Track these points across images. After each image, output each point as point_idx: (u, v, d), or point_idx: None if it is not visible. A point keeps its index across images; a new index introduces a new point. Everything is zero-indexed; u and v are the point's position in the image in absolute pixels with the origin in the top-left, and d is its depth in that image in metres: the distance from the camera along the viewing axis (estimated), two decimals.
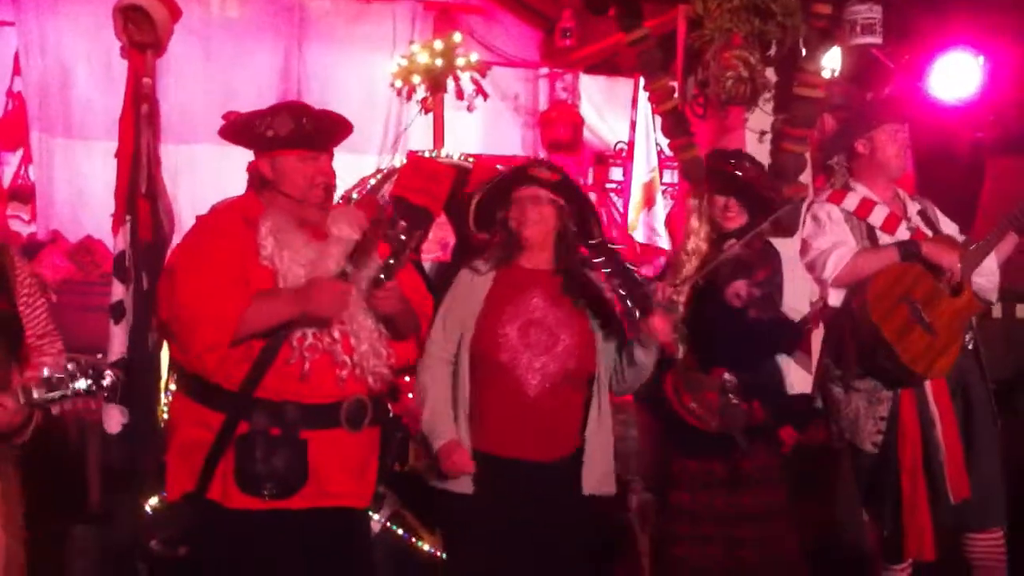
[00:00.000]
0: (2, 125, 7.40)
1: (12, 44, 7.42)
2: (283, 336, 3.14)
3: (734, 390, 3.76)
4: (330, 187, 3.30)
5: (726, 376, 3.78)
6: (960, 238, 4.13)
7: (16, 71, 7.44)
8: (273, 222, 3.19)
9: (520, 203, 3.51)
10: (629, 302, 3.43)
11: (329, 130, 3.28)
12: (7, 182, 7.42)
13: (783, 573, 3.73)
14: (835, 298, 4.03)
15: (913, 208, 4.20)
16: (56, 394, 2.86)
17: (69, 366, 2.90)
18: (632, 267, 3.58)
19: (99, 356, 2.98)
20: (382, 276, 3.16)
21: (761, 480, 3.75)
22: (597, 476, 3.51)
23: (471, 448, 3.43)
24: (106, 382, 2.89)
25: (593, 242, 3.54)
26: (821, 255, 4.04)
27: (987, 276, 4.12)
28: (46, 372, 2.89)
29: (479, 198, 3.60)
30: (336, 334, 3.19)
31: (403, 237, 3.15)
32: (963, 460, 3.94)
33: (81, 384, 2.87)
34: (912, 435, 3.95)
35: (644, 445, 4.58)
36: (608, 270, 3.49)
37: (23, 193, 7.41)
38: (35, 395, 2.86)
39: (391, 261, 3.16)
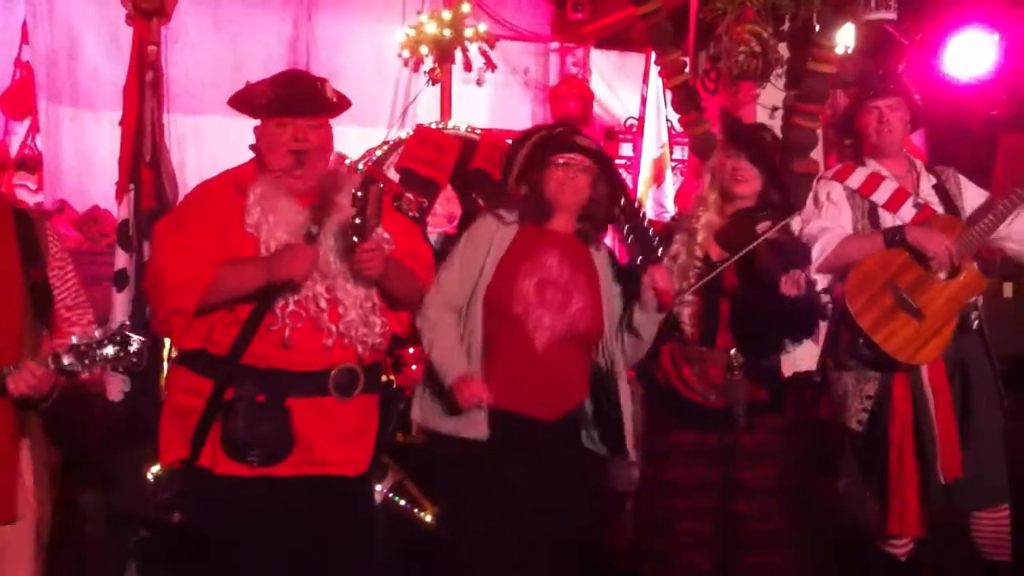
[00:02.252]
0: (9, 94, 7.37)
1: (20, 13, 7.40)
2: (268, 303, 3.12)
3: (740, 367, 3.72)
4: (303, 154, 3.21)
5: (732, 352, 3.74)
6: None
7: (24, 40, 7.41)
8: (262, 190, 3.18)
9: (559, 168, 3.50)
10: (639, 255, 3.42)
11: (303, 95, 3.23)
12: (14, 151, 7.40)
13: (776, 549, 3.71)
14: (822, 282, 4.01)
15: (927, 182, 4.15)
16: (85, 360, 2.89)
17: (97, 333, 2.93)
18: (649, 229, 3.54)
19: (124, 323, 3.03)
20: (355, 238, 3.09)
21: (759, 456, 3.72)
22: (630, 437, 3.51)
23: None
24: (133, 348, 2.90)
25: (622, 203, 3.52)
26: (811, 240, 4.01)
27: (1017, 241, 4.09)
28: (74, 339, 2.91)
29: (517, 156, 3.58)
30: (323, 303, 3.16)
31: (359, 193, 3.06)
32: (957, 440, 3.93)
33: (109, 351, 2.89)
34: (902, 412, 3.94)
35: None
36: (627, 226, 3.46)
37: (30, 162, 7.39)
38: (64, 361, 2.89)
39: (357, 220, 3.07)
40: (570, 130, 3.66)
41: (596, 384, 3.55)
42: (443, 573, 3.57)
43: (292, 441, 3.13)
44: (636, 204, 3.55)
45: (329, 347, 3.17)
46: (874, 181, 4.11)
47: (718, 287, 3.68)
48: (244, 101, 3.26)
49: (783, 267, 3.67)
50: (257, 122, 3.28)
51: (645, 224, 3.52)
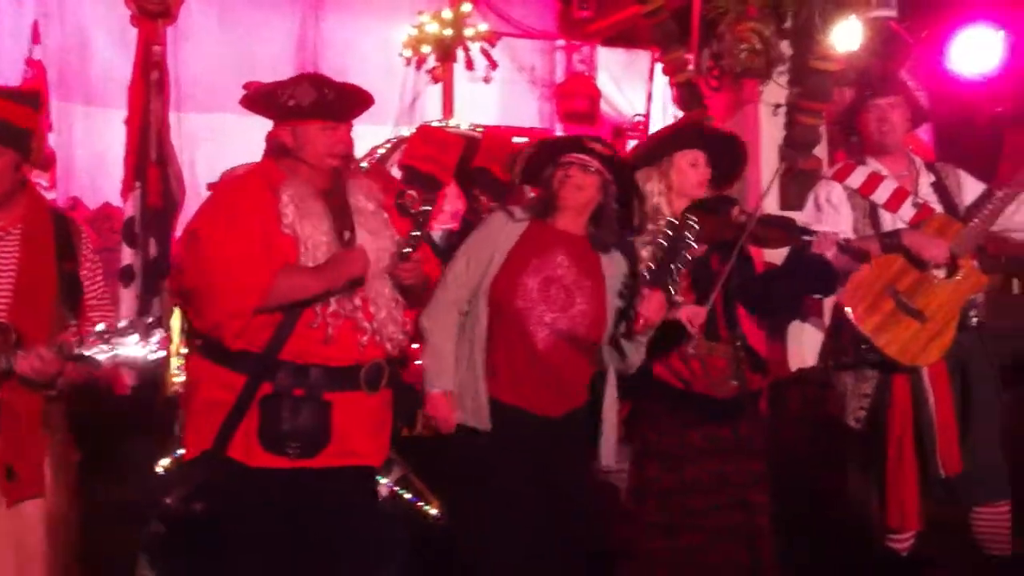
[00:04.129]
0: None
1: (31, 12, 7.46)
2: (306, 301, 3.21)
3: (744, 358, 3.75)
4: (348, 157, 3.38)
5: (738, 344, 3.77)
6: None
7: (35, 39, 7.46)
8: (295, 190, 3.24)
9: (568, 166, 3.53)
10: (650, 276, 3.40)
11: (350, 102, 3.33)
12: None
13: (752, 542, 3.73)
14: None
15: (926, 180, 4.18)
16: (98, 349, 2.98)
17: (121, 324, 3.02)
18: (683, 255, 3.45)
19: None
20: (407, 249, 3.26)
21: (747, 448, 3.75)
22: (610, 446, 3.56)
23: (487, 394, 3.45)
24: (154, 338, 3.00)
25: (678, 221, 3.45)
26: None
27: (1023, 231, 4.13)
28: (100, 327, 3.02)
29: (530, 153, 3.61)
30: (357, 301, 3.26)
31: (425, 208, 3.25)
32: (956, 435, 3.95)
33: (132, 340, 2.99)
34: (902, 408, 3.97)
35: None
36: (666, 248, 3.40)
37: (43, 160, 7.45)
38: (83, 349, 2.99)
39: (415, 233, 3.25)
40: (589, 137, 3.69)
41: (591, 388, 3.58)
42: (448, 564, 3.62)
43: (331, 433, 3.22)
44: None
45: (363, 344, 3.26)
46: (874, 181, 4.13)
47: (709, 280, 3.71)
48: (269, 104, 3.29)
49: (787, 233, 3.74)
50: (268, 122, 3.33)
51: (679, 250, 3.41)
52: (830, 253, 3.85)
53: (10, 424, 3.09)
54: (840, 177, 4.18)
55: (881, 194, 4.11)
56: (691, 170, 3.71)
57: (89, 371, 3.11)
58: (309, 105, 3.23)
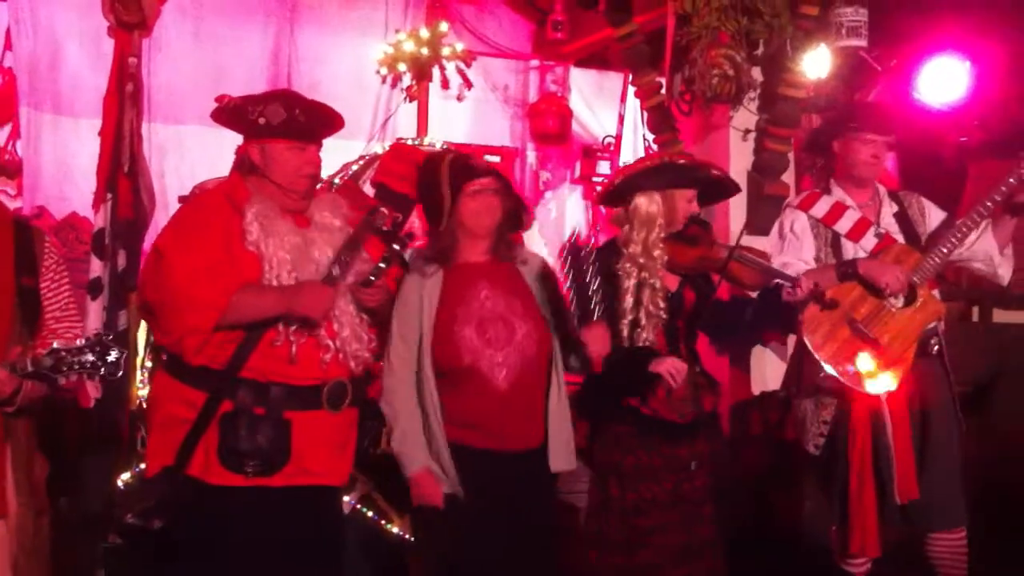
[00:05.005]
0: None
1: (3, 20, 7.40)
2: (273, 322, 3.21)
3: (702, 383, 3.83)
4: (316, 177, 3.37)
5: (698, 369, 3.83)
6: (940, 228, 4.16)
7: (7, 47, 7.41)
8: (259, 208, 3.25)
9: (473, 196, 3.50)
10: (576, 307, 3.45)
11: (321, 123, 3.34)
12: None
13: (704, 553, 3.77)
14: None
15: (888, 210, 4.23)
16: (63, 367, 2.92)
17: (79, 341, 2.97)
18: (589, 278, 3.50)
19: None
20: (372, 278, 3.27)
21: (701, 466, 3.81)
22: (563, 453, 3.57)
23: (446, 440, 3.44)
24: (111, 358, 2.95)
25: (575, 247, 3.50)
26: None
27: (983, 261, 4.20)
28: (56, 344, 2.96)
29: (442, 191, 3.52)
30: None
31: (396, 247, 3.30)
32: (913, 463, 3.99)
33: (88, 358, 2.94)
34: (862, 435, 4.01)
35: None
36: (571, 272, 3.47)
37: (10, 168, 7.39)
38: (41, 364, 2.93)
39: (382, 265, 3.27)
40: (465, 155, 3.71)
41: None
42: None
43: (290, 452, 3.21)
44: (578, 242, 3.50)
45: (326, 362, 3.26)
46: (837, 211, 4.18)
47: (677, 309, 3.75)
48: (240, 120, 3.29)
49: (763, 278, 3.86)
50: (240, 136, 3.33)
51: (584, 269, 3.46)
52: (801, 296, 3.88)
53: None
54: (805, 206, 4.23)
55: (844, 224, 4.17)
56: (687, 206, 3.80)
57: (48, 387, 3.04)
58: (278, 124, 3.23)
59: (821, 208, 4.19)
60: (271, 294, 3.19)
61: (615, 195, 3.83)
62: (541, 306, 3.57)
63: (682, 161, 3.95)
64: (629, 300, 3.68)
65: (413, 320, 3.48)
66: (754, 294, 4.07)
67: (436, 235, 3.55)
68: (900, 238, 4.15)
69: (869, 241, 4.14)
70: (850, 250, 4.14)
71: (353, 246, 3.31)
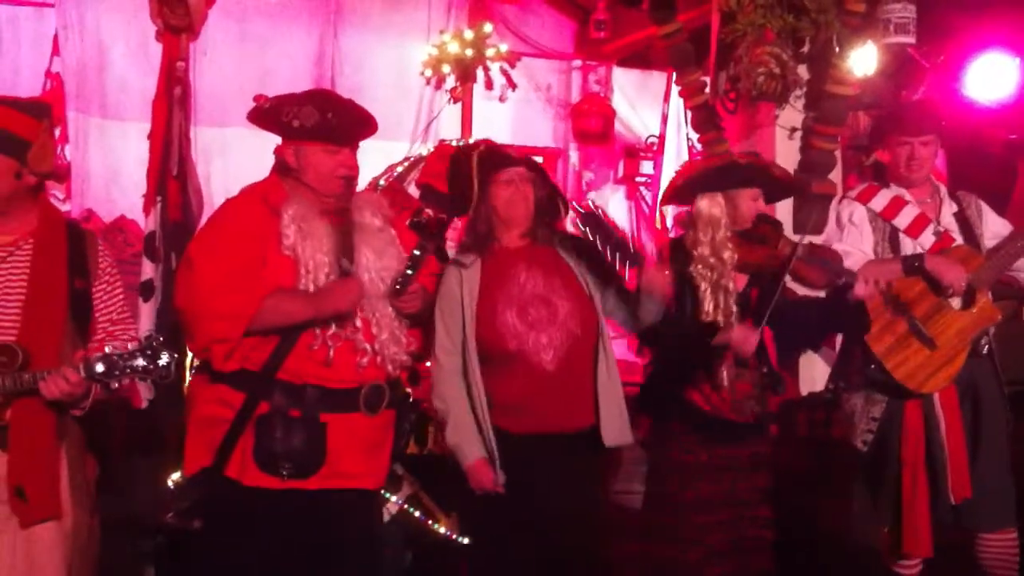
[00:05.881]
0: None
1: (51, 26, 7.52)
2: (308, 326, 3.20)
3: (767, 384, 3.82)
4: (352, 179, 3.34)
5: (765, 370, 3.82)
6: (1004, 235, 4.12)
7: (55, 52, 7.52)
8: (295, 210, 3.23)
9: (504, 184, 3.54)
10: (619, 260, 3.47)
11: (355, 126, 3.31)
12: None
13: (754, 553, 3.77)
14: None
15: (949, 209, 4.18)
16: (115, 371, 2.94)
17: (130, 345, 2.99)
18: (613, 228, 3.55)
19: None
20: (398, 287, 3.26)
21: (759, 466, 3.79)
22: (616, 427, 3.55)
23: (493, 426, 3.45)
24: (162, 362, 2.96)
25: (582, 212, 3.56)
26: None
27: None
28: (108, 349, 2.97)
29: (471, 184, 3.56)
30: (358, 322, 3.25)
31: (417, 253, 3.27)
32: (966, 462, 3.96)
33: (140, 362, 2.96)
34: (915, 433, 3.98)
35: None
36: (596, 235, 3.49)
37: (59, 172, 7.48)
38: (97, 369, 2.95)
39: (408, 272, 3.26)
40: (496, 145, 3.73)
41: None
42: None
43: (325, 455, 3.20)
44: (595, 211, 3.56)
45: (363, 365, 3.25)
46: (897, 205, 4.14)
47: (744, 308, 3.75)
48: (276, 122, 3.27)
49: (828, 277, 3.84)
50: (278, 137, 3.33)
51: (609, 228, 3.51)
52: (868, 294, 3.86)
53: (22, 444, 3.01)
54: (864, 198, 4.19)
55: (903, 219, 4.12)
56: (752, 205, 3.82)
57: (102, 389, 3.04)
58: (312, 127, 3.21)
59: (880, 202, 4.15)
60: (299, 300, 3.18)
61: (678, 196, 3.84)
62: (586, 282, 3.57)
63: (744, 161, 3.94)
64: (709, 304, 3.71)
65: (456, 311, 3.50)
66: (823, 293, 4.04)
67: (472, 225, 3.57)
68: (959, 239, 4.11)
69: (928, 238, 4.10)
70: (908, 246, 4.10)
71: (348, 231, 3.29)
